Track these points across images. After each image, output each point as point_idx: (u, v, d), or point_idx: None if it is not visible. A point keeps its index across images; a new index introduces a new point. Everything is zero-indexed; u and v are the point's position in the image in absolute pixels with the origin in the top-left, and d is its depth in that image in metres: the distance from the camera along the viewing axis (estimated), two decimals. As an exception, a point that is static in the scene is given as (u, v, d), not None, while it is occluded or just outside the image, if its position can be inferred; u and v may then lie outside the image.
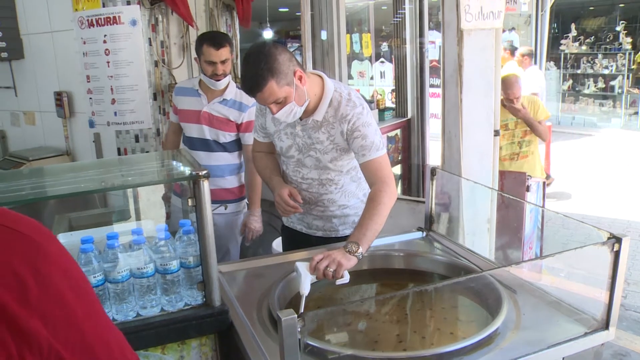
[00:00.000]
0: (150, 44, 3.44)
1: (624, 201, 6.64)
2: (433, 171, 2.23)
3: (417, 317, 1.71)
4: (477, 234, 2.76)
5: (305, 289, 1.67)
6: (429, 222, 2.29)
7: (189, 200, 1.43)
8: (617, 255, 1.47)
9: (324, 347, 1.29)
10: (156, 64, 3.48)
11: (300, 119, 2.09)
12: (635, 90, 10.47)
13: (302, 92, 1.98)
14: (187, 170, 1.49)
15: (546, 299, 1.71)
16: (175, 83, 3.48)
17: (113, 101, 3.47)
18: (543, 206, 4.07)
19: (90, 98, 3.54)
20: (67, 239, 1.99)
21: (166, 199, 3.11)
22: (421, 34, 4.48)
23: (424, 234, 2.29)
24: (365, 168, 2.05)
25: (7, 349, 0.59)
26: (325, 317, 1.26)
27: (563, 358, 1.49)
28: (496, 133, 2.73)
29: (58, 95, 3.90)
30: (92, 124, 3.59)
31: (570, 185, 7.19)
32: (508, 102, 3.89)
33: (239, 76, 3.77)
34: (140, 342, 1.48)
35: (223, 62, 2.82)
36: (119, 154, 3.53)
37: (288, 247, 2.46)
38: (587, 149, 9.53)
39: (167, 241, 1.52)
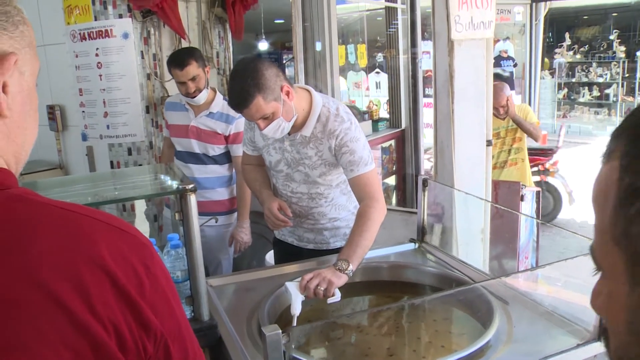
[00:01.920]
0: (143, 57, 3.44)
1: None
2: (425, 182, 2.23)
3: (409, 329, 1.69)
4: (471, 244, 2.75)
5: (296, 309, 1.66)
6: (421, 233, 2.28)
7: (176, 214, 1.42)
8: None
9: (311, 362, 1.28)
10: (148, 76, 3.48)
11: (289, 134, 2.07)
12: (630, 98, 10.51)
13: (290, 107, 1.97)
14: (174, 184, 1.47)
15: (539, 310, 1.70)
16: (168, 96, 3.48)
17: (105, 114, 3.46)
18: (538, 217, 4.06)
19: (83, 111, 3.53)
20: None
21: (160, 211, 3.10)
22: (414, 45, 4.48)
23: (417, 245, 2.28)
24: (353, 183, 2.04)
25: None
26: (312, 331, 1.24)
27: (556, 371, 1.48)
28: (488, 143, 2.72)
29: (50, 109, 3.89)
30: (84, 137, 3.58)
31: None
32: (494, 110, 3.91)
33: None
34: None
35: (192, 79, 2.81)
36: (112, 167, 3.52)
37: (280, 259, 2.45)
38: (583, 157, 9.53)
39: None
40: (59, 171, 4.00)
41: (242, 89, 1.88)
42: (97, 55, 3.40)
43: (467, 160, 2.66)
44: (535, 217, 3.91)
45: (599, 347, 1.53)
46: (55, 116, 3.87)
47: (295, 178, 2.17)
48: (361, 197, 2.01)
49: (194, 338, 0.81)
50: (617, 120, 10.68)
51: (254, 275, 2.07)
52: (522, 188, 3.49)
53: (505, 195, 3.46)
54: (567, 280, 1.62)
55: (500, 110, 3.93)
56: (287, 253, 2.37)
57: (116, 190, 1.52)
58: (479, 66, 2.59)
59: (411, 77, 4.49)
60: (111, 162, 3.52)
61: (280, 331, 1.00)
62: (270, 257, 3.11)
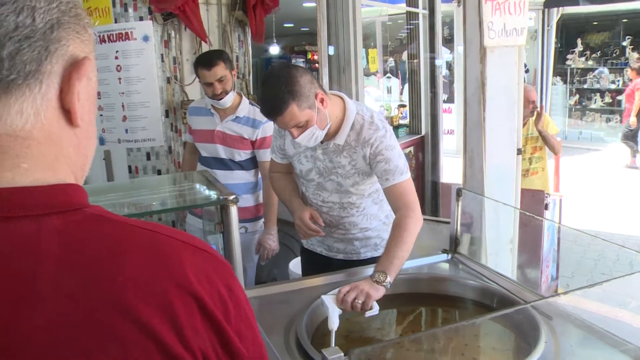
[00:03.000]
0: (163, 60, 3.40)
1: (635, 217, 6.56)
2: (459, 192, 2.17)
3: (452, 347, 1.63)
4: (500, 254, 2.69)
5: (334, 324, 1.61)
6: (454, 243, 2.22)
7: (217, 226, 1.37)
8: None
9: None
10: (168, 80, 3.43)
11: (322, 142, 2.02)
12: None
13: (324, 115, 1.93)
14: (213, 195, 1.42)
15: (585, 326, 1.64)
16: (188, 100, 3.43)
17: (124, 118, 3.42)
18: (560, 224, 4.00)
19: (101, 115, 3.49)
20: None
21: (182, 218, 3.05)
22: (433, 50, 4.44)
23: (449, 256, 2.22)
24: (389, 193, 1.99)
25: (219, 358, 0.64)
26: (373, 353, 1.18)
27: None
28: (518, 152, 2.67)
29: (68, 112, 3.85)
30: (102, 141, 3.54)
31: (580, 201, 7.12)
32: (526, 109, 3.86)
33: (251, 93, 3.73)
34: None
35: (220, 80, 2.76)
36: (130, 171, 3.47)
37: (308, 269, 2.39)
38: (595, 163, 9.47)
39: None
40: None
41: (276, 96, 1.83)
42: (116, 58, 3.36)
43: (497, 169, 2.60)
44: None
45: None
46: (72, 119, 3.82)
47: (327, 187, 2.12)
48: (397, 207, 1.96)
49: None
50: (629, 127, 10.59)
51: (286, 287, 2.02)
52: (546, 197, 3.43)
53: (529, 203, 3.40)
54: (619, 299, 1.56)
55: (530, 106, 3.89)
56: (316, 263, 2.32)
57: (153, 201, 1.47)
58: (511, 73, 2.54)
59: (430, 83, 4.45)
60: (129, 167, 3.48)
61: (343, 354, 0.95)
62: (294, 265, 3.06)
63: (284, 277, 3.35)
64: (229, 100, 2.84)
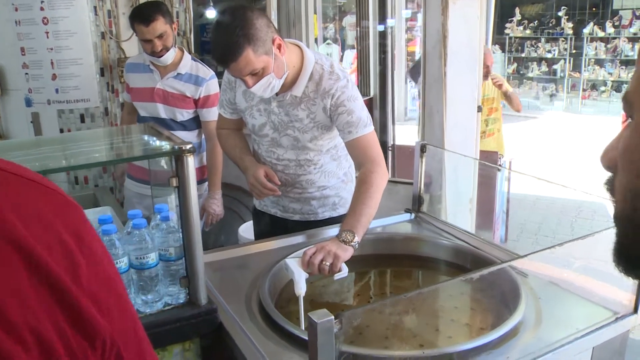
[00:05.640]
0: (96, 14, 3.10)
1: (572, 182, 6.76)
2: (423, 148, 2.06)
3: (426, 307, 1.53)
4: (458, 214, 2.63)
5: (301, 289, 1.48)
6: (418, 203, 2.12)
7: (173, 180, 1.19)
8: None
9: (366, 353, 1.09)
10: (103, 35, 3.14)
11: (276, 94, 1.87)
12: (576, 74, 10.76)
13: (282, 62, 1.77)
14: (165, 145, 1.24)
15: (560, 283, 1.58)
16: (125, 57, 3.16)
17: (54, 77, 3.10)
18: (508, 186, 4.01)
19: (27, 73, 3.15)
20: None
21: (120, 183, 2.82)
22: (383, 12, 4.33)
23: (412, 215, 2.12)
24: (352, 147, 1.86)
25: (67, 342, 0.43)
26: (362, 316, 1.05)
27: (593, 348, 1.36)
28: (479, 109, 2.59)
29: (-14, 71, 3.48)
30: (29, 103, 3.21)
31: (519, 167, 7.28)
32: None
33: (193, 49, 3.49)
34: (114, 352, 1.23)
35: (159, 36, 2.54)
36: (62, 135, 3.18)
37: (261, 233, 2.24)
38: (532, 131, 9.71)
39: (143, 230, 1.27)
40: (-1, 140, 3.60)
41: (230, 40, 1.65)
42: (42, 9, 3.02)
43: (457, 126, 2.52)
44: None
45: (635, 320, 1.42)
46: (-7, 79, 3.46)
47: (282, 143, 1.96)
48: (361, 162, 1.83)
49: (148, 339, 0.58)
50: (564, 95, 10.94)
51: (241, 252, 1.86)
52: (499, 158, 3.40)
53: (483, 165, 3.36)
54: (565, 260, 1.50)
55: (484, 70, 3.84)
56: (270, 225, 2.17)
57: (96, 153, 1.27)
58: (473, 27, 2.44)
59: (379, 46, 4.37)
60: (61, 130, 3.18)
61: (334, 318, 0.81)
62: (245, 230, 2.90)
63: (233, 244, 3.18)
64: (170, 57, 2.62)
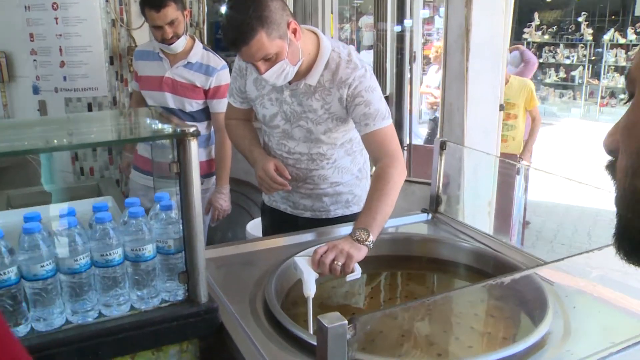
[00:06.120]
0: (107, 0, 3.02)
1: (588, 190, 6.59)
2: (443, 145, 1.94)
3: (446, 314, 1.42)
4: (477, 217, 2.51)
5: (310, 290, 1.37)
6: (435, 203, 2.00)
7: (174, 166, 1.09)
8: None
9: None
10: (113, 23, 3.07)
11: (289, 82, 1.77)
12: (595, 82, 10.56)
13: (296, 48, 1.67)
14: (167, 127, 1.14)
15: (591, 293, 1.45)
16: (135, 46, 3.08)
17: (62, 64, 3.03)
18: (526, 191, 3.87)
19: (35, 60, 3.09)
20: (5, 219, 1.62)
21: (126, 173, 2.74)
22: (402, 6, 4.24)
23: (429, 215, 2.01)
24: (368, 140, 1.75)
25: None
26: (376, 321, 0.94)
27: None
28: (501, 107, 2.47)
29: (-7, 56, 3.41)
30: (36, 90, 3.14)
31: (535, 174, 7.13)
32: None
33: (206, 43, 3.40)
34: (104, 351, 1.13)
35: (170, 23, 2.46)
36: (69, 124, 3.10)
37: (269, 230, 2.13)
38: (549, 138, 9.53)
39: (140, 219, 1.17)
40: (5, 129, 3.52)
41: (242, 22, 1.56)
42: (52, -6, 2.96)
43: (479, 125, 2.40)
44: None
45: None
46: None
47: (294, 135, 1.86)
48: (378, 157, 1.73)
49: None
50: (581, 103, 10.74)
51: (247, 248, 1.76)
52: (519, 161, 3.27)
53: (500, 168, 3.24)
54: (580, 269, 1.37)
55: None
56: (279, 222, 2.07)
57: (92, 134, 1.18)
58: (498, 21, 2.32)
59: (397, 46, 4.28)
60: (68, 119, 3.11)
61: (347, 322, 0.70)
62: (253, 227, 2.81)
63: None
64: (180, 44, 2.54)
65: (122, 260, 1.16)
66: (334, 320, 0.71)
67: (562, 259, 1.25)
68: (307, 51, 1.74)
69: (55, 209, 1.21)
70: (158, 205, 1.24)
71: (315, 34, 1.81)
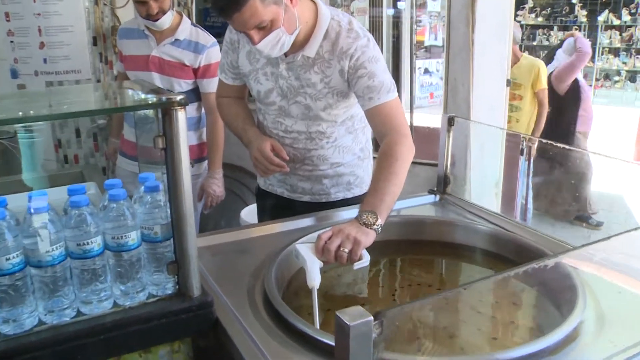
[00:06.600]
0: (88, -24, 2.86)
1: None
2: (451, 120, 1.81)
3: (464, 302, 1.29)
4: (484, 198, 2.39)
5: (314, 280, 1.24)
6: (444, 183, 1.88)
7: (159, 140, 0.95)
8: None
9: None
10: (96, 1, 2.92)
11: (285, 55, 1.63)
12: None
13: (293, 15, 1.53)
14: (151, 97, 0.99)
15: (621, 280, 1.33)
16: (120, 25, 2.92)
17: (42, 45, 2.87)
18: (529, 171, 3.76)
19: (12, 41, 2.93)
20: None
21: (112, 159, 2.60)
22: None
23: (437, 197, 1.88)
24: (373, 115, 1.62)
25: None
26: (404, 316, 0.81)
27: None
28: (507, 83, 2.34)
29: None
30: (15, 74, 2.99)
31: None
32: None
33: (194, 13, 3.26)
34: (83, 355, 1.00)
35: None
36: (50, 110, 2.95)
37: (265, 215, 2.00)
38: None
39: (121, 202, 1.02)
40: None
41: None
42: (28, -30, 2.79)
43: (485, 101, 2.27)
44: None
45: None
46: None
47: (291, 112, 1.72)
48: (384, 132, 1.59)
49: None
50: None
51: (243, 235, 1.62)
52: (522, 141, 3.15)
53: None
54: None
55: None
56: (276, 207, 1.94)
57: (71, 104, 1.04)
58: (505, -12, 2.18)
59: (393, 29, 4.17)
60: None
61: (372, 319, 0.57)
62: (247, 214, 2.68)
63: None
64: (167, 20, 2.40)
65: (102, 250, 1.02)
66: (356, 317, 0.57)
67: (593, 242, 1.12)
68: (304, 19, 1.60)
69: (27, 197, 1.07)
70: (142, 187, 1.10)
71: (313, 1, 1.67)
